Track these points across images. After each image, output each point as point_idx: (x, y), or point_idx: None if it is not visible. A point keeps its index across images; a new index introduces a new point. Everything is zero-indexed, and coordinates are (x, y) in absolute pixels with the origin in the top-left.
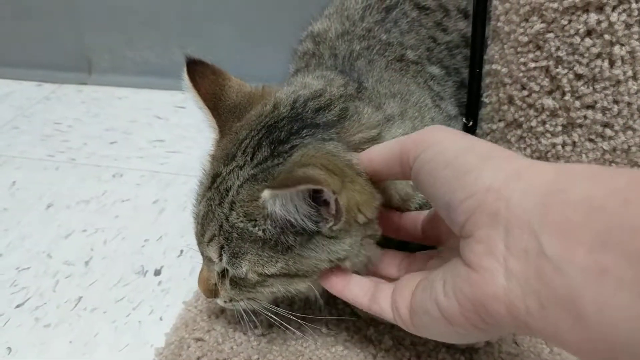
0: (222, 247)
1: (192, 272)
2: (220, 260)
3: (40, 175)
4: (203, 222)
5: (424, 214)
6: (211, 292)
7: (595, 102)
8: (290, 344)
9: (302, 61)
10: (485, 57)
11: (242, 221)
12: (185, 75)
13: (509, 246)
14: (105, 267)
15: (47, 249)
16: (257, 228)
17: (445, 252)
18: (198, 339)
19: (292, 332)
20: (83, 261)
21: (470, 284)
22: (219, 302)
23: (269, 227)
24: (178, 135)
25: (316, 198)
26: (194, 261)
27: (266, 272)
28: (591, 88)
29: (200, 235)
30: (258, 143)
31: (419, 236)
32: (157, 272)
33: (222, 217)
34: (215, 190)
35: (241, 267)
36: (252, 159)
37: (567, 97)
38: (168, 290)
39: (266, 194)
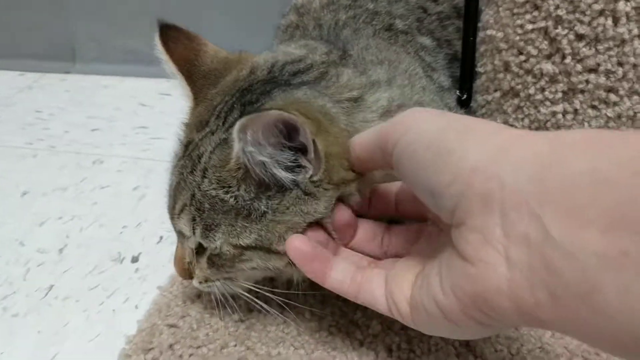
0: (194, 219)
1: (171, 258)
2: (194, 233)
3: (18, 163)
4: (175, 193)
5: (397, 184)
6: (186, 272)
7: (598, 64)
8: (271, 329)
9: (286, 34)
10: (479, 24)
11: (214, 188)
12: (157, 40)
13: (507, 233)
14: (80, 255)
15: (20, 236)
16: (229, 195)
17: (432, 232)
18: (171, 325)
19: (273, 317)
20: (57, 249)
21: (469, 279)
22: (194, 283)
23: (242, 192)
24: (162, 122)
25: (292, 138)
26: (174, 247)
27: (241, 243)
28: (593, 49)
29: (171, 207)
30: (231, 107)
31: (392, 210)
32: (135, 259)
33: (194, 185)
34: (187, 157)
35: (214, 240)
36: (223, 124)
37: (567, 61)
38: (145, 278)
39: (237, 125)
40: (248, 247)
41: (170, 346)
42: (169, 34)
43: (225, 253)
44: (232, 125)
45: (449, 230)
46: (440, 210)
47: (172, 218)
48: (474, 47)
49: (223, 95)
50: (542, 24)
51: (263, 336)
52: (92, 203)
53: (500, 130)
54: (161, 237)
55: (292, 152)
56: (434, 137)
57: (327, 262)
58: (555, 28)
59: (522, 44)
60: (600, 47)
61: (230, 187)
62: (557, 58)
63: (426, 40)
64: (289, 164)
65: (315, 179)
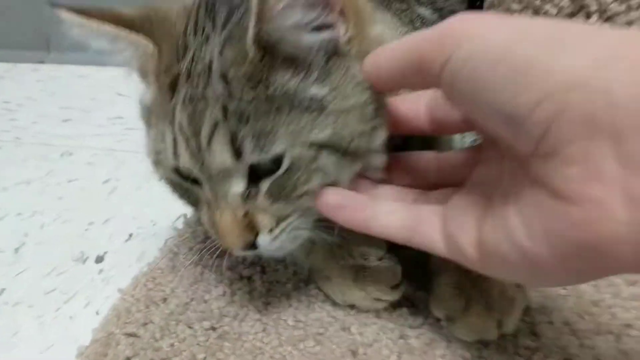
0: (234, 135)
1: (140, 258)
2: (241, 152)
3: None
4: (193, 121)
5: (425, 95)
6: (246, 230)
7: (631, 23)
8: (247, 339)
9: None
10: None
11: (248, 88)
12: (64, 14)
13: (626, 162)
14: (38, 255)
15: None
16: (269, 88)
17: (491, 157)
18: (130, 335)
19: (249, 324)
20: (13, 248)
21: (572, 224)
22: (265, 239)
23: (280, 79)
24: (137, 112)
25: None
26: (145, 244)
27: (317, 138)
28: (625, 5)
29: (192, 139)
30: (209, 12)
31: (425, 127)
32: (99, 259)
33: (220, 98)
34: (189, 82)
35: (275, 144)
36: (214, 27)
37: (593, 19)
38: (109, 280)
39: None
40: (323, 146)
41: (128, 359)
42: (75, 9)
43: (297, 160)
44: (225, 23)
45: (525, 159)
46: (518, 138)
47: (195, 155)
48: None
49: (187, 16)
50: None
51: (238, 347)
52: (56, 198)
53: (601, 33)
54: (130, 235)
55: (318, 10)
56: (504, 49)
57: (365, 207)
58: None
59: (538, 2)
60: (633, 1)
61: (263, 79)
62: (581, 17)
63: (425, 11)
64: (320, 23)
65: (349, 34)
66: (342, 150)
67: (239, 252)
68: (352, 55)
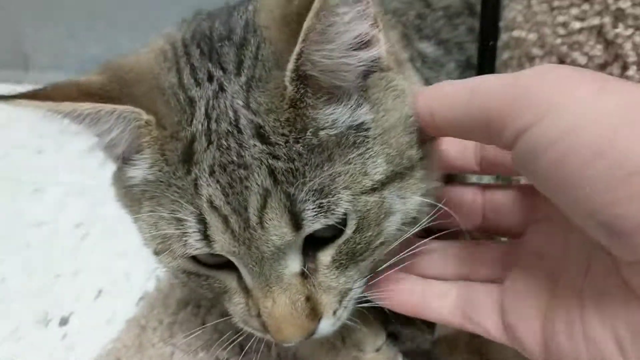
0: (290, 201)
1: (109, 320)
2: (300, 223)
3: None
4: (233, 200)
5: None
6: (310, 316)
7: None
8: None
9: None
10: (501, 23)
11: (294, 141)
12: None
13: None
14: None
15: None
16: (313, 132)
17: (542, 254)
18: None
19: None
20: None
21: None
22: (326, 325)
23: (323, 116)
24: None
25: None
26: (116, 303)
27: (375, 179)
28: None
29: (234, 227)
30: (208, 55)
31: (472, 166)
32: (64, 321)
33: (261, 157)
34: (213, 147)
35: (340, 202)
36: (225, 72)
37: (630, 72)
38: (73, 346)
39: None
40: (384, 183)
41: None
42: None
43: (365, 213)
44: (240, 62)
45: (612, 264)
46: (616, 246)
47: (240, 236)
48: (494, 54)
49: (172, 63)
50: (596, 21)
51: None
52: (23, 245)
53: None
54: (100, 291)
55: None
56: (609, 137)
57: (416, 290)
58: (615, 27)
59: (564, 48)
60: None
61: (308, 123)
62: (615, 68)
63: (428, 48)
64: (358, 38)
65: (384, 46)
66: (399, 174)
67: (294, 343)
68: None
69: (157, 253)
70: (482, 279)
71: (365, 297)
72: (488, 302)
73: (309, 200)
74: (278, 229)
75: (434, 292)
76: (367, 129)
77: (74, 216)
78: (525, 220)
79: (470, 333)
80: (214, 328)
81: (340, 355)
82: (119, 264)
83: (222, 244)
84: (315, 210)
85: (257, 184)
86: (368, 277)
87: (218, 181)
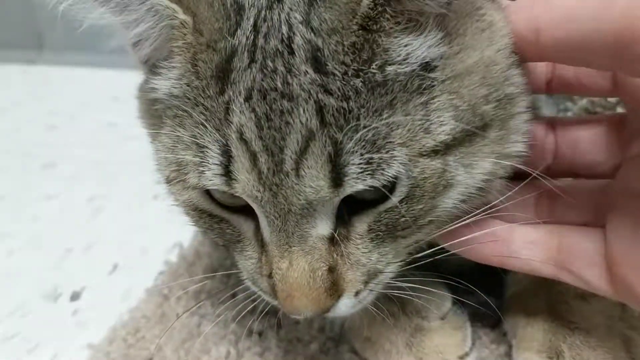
0: (337, 149)
1: (125, 296)
2: (341, 178)
3: None
4: (269, 136)
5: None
6: (329, 291)
7: None
8: None
9: None
10: None
11: (354, 74)
12: None
13: None
14: (1, 289)
15: None
16: (389, 69)
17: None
18: None
19: None
20: None
21: None
22: (345, 305)
23: (403, 45)
24: (134, 118)
25: None
26: (132, 278)
27: (438, 139)
28: None
29: (263, 167)
30: None
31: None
32: (75, 296)
33: (311, 90)
34: (255, 66)
35: (392, 160)
36: None
37: None
38: (86, 323)
39: None
40: (449, 146)
41: None
42: None
43: (420, 181)
44: None
45: None
46: None
47: (269, 180)
48: None
49: None
50: None
51: None
52: (30, 218)
53: None
54: (115, 266)
55: None
56: None
57: (501, 237)
58: None
59: None
60: None
61: (376, 53)
62: None
63: None
64: None
65: None
66: (467, 136)
67: (305, 316)
68: None
69: (169, 181)
70: (575, 223)
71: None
72: (588, 250)
73: (357, 152)
74: (315, 181)
75: (522, 239)
76: (433, 69)
77: (87, 190)
78: (613, 158)
79: (548, 292)
80: (247, 297)
81: (398, 325)
82: (135, 238)
83: (245, 185)
84: (362, 166)
85: (301, 121)
86: (401, 263)
87: (254, 109)
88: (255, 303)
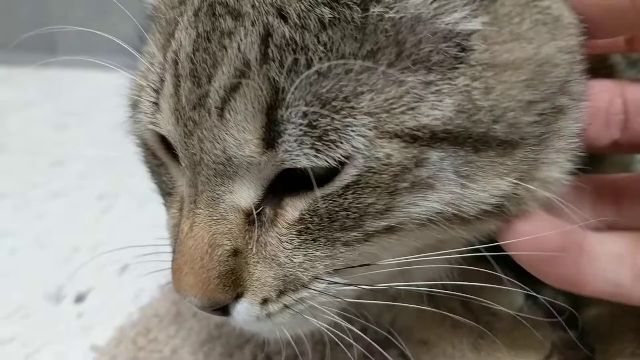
0: (275, 98)
1: (135, 298)
2: (274, 140)
3: None
4: (200, 59)
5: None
6: (225, 280)
7: None
8: None
9: None
10: None
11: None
12: None
13: None
14: (1, 288)
15: None
16: (379, 6)
17: None
18: None
19: None
20: None
21: None
22: (242, 310)
23: None
24: None
25: None
26: (143, 280)
27: (424, 120)
28: None
29: (183, 99)
30: None
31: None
32: (80, 298)
33: (261, 10)
34: None
35: (348, 131)
36: None
37: None
38: (91, 327)
39: None
40: (436, 138)
41: None
42: None
43: (381, 168)
44: None
45: None
46: None
47: (186, 116)
48: None
49: None
50: None
51: None
52: (36, 216)
53: None
54: (125, 267)
55: None
56: None
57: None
58: None
59: None
60: None
61: None
62: None
63: None
64: None
65: None
66: (475, 141)
67: (193, 304)
68: None
69: (132, 106)
70: None
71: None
72: None
73: (299, 112)
74: (240, 132)
75: (605, 251)
76: (467, 50)
77: (96, 188)
78: None
79: None
80: None
81: (462, 325)
82: (147, 239)
83: (163, 119)
84: (302, 130)
85: (239, 48)
86: (352, 293)
87: (197, 26)
88: None
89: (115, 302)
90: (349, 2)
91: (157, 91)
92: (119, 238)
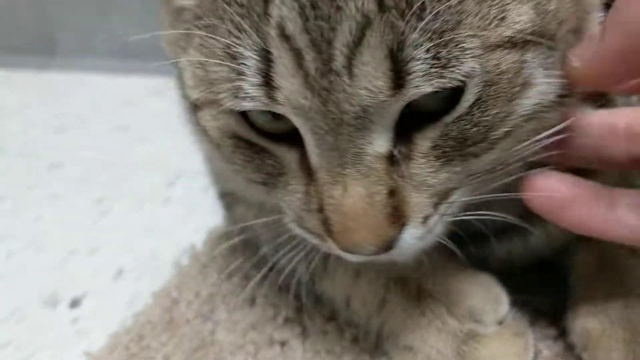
0: (397, 38)
1: (130, 303)
2: (403, 77)
3: None
4: (316, 28)
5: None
6: (391, 219)
7: None
8: None
9: None
10: None
11: None
12: None
13: None
14: None
15: None
16: None
17: None
18: None
19: None
20: None
21: None
22: (411, 236)
23: None
24: (148, 122)
25: None
26: (138, 285)
27: (517, 26)
28: None
29: (310, 66)
30: None
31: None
32: (75, 303)
33: None
34: None
35: (463, 54)
36: None
37: None
38: (86, 332)
39: None
40: (527, 41)
41: None
42: None
43: (493, 79)
44: None
45: None
46: None
47: (316, 82)
48: None
49: None
50: None
51: None
52: (33, 219)
53: None
54: (120, 271)
55: None
56: None
57: (599, 199)
58: None
59: None
60: None
61: None
62: None
63: None
64: None
65: None
66: (547, 38)
67: (365, 254)
68: None
69: (198, 105)
70: None
71: None
72: None
73: (422, 45)
74: (372, 80)
75: (624, 201)
76: None
77: (94, 191)
78: None
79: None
80: (268, 302)
81: (447, 330)
82: (143, 242)
83: (289, 93)
84: (429, 61)
85: (356, 5)
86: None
87: None
88: (278, 309)
89: (110, 307)
90: None
91: (263, 72)
92: (116, 242)
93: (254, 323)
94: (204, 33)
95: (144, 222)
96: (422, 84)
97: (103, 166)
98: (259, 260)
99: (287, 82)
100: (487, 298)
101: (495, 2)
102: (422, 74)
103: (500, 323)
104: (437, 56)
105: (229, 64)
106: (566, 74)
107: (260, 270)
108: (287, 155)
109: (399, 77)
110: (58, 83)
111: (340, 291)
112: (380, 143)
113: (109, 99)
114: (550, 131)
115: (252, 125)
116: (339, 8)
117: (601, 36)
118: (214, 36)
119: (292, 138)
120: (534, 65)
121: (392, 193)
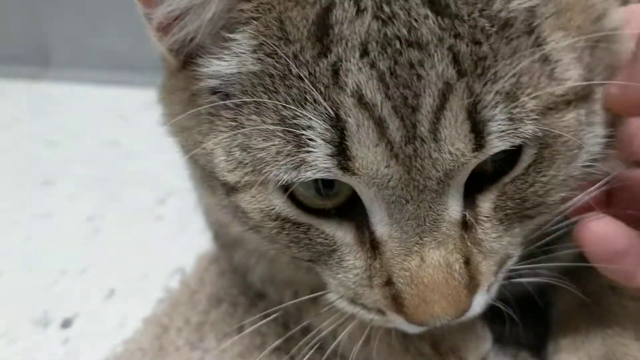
0: (475, 100)
1: (121, 324)
2: (482, 139)
3: None
4: (399, 93)
5: None
6: (469, 289)
7: None
8: None
9: None
10: None
11: (476, 11)
12: None
13: None
14: None
15: None
16: (513, 4)
17: None
18: None
19: None
20: None
21: None
22: (479, 302)
23: None
24: (140, 137)
25: None
26: (129, 305)
27: (568, 83)
28: None
29: (394, 133)
30: None
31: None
32: (66, 323)
33: (442, 35)
34: (372, 7)
35: (527, 114)
36: None
37: None
38: (77, 352)
39: None
40: (579, 97)
41: None
42: None
43: (554, 139)
44: None
45: None
46: None
47: (401, 149)
48: None
49: None
50: None
51: None
52: (24, 237)
53: None
54: (111, 291)
55: None
56: None
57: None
58: None
59: None
60: None
61: None
62: None
63: None
64: None
65: None
66: (586, 94)
67: (437, 325)
68: None
69: (237, 188)
70: None
71: None
72: None
73: (498, 105)
74: (455, 144)
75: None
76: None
77: (86, 209)
78: None
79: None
80: (256, 331)
81: None
82: (134, 262)
83: (368, 162)
84: (505, 122)
85: (437, 72)
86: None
87: (374, 65)
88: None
89: (101, 328)
90: (497, 6)
91: (335, 142)
92: (107, 261)
93: (241, 351)
94: (242, 112)
95: (134, 241)
96: (498, 144)
97: (94, 183)
98: (247, 288)
99: (369, 151)
100: (470, 335)
101: (554, 62)
102: (499, 133)
103: (483, 359)
104: (510, 117)
105: (284, 138)
106: (604, 103)
107: (248, 297)
108: (339, 230)
109: (478, 137)
110: (51, 94)
111: (327, 325)
112: (454, 208)
113: (101, 112)
114: (595, 186)
115: (299, 205)
116: (420, 76)
117: (633, 60)
118: (260, 113)
119: (343, 213)
120: (585, 122)
121: (467, 262)
